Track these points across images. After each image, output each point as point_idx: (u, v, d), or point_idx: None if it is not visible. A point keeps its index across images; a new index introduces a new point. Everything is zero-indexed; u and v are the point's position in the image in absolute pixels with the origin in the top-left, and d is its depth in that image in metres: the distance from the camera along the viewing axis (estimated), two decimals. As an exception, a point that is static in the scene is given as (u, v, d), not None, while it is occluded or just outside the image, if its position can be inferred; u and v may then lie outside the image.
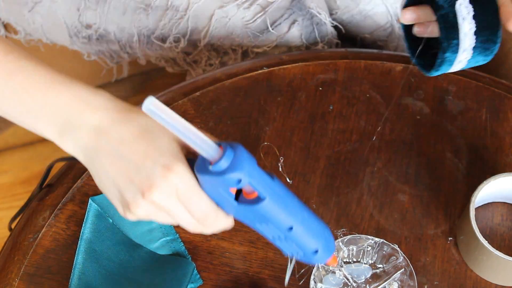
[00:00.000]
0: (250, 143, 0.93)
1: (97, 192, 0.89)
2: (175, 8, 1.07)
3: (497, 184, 0.86)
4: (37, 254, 0.85)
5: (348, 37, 1.18)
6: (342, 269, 0.83)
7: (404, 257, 0.82)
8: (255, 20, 1.05)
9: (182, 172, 0.68)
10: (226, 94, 0.97)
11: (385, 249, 0.83)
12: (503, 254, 0.81)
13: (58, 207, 0.88)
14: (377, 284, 0.83)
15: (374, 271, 0.84)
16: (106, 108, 0.69)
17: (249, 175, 0.68)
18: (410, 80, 0.98)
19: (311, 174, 0.92)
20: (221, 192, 0.70)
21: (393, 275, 0.83)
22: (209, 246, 0.86)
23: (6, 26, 1.26)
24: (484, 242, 0.81)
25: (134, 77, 1.51)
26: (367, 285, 0.83)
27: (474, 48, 0.77)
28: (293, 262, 0.76)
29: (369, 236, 0.83)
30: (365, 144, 0.94)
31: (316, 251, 0.74)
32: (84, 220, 0.86)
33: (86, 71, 1.38)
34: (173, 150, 0.68)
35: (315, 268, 0.82)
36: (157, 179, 0.67)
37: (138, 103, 1.02)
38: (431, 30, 0.80)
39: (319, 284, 0.82)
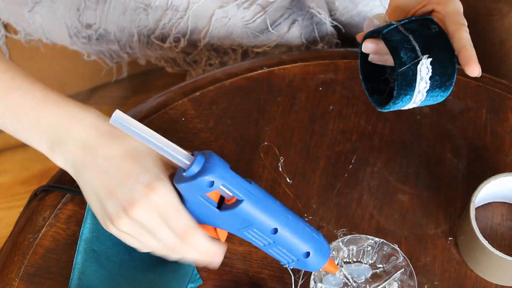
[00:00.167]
0: (250, 143, 0.93)
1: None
2: (175, 8, 1.07)
3: (497, 184, 0.86)
4: (37, 254, 0.85)
5: (348, 37, 1.18)
6: (342, 269, 0.83)
7: (404, 257, 0.82)
8: (255, 20, 1.05)
9: (163, 190, 0.72)
10: (226, 94, 0.97)
11: (385, 249, 0.83)
12: (503, 254, 0.81)
13: (58, 207, 0.88)
14: (377, 284, 0.83)
15: (374, 271, 0.84)
16: (95, 125, 0.74)
17: (221, 177, 0.72)
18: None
19: (311, 174, 0.92)
20: (201, 201, 0.74)
21: (393, 275, 0.83)
22: (209, 246, 0.86)
23: (6, 26, 1.26)
24: (484, 242, 0.81)
25: (134, 77, 1.50)
26: (367, 285, 0.83)
27: (428, 93, 0.81)
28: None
29: (369, 236, 0.83)
30: (365, 144, 0.94)
31: (308, 254, 0.76)
32: (83, 220, 0.86)
33: (86, 71, 1.38)
34: (156, 169, 0.73)
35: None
36: (139, 197, 0.72)
37: (138, 103, 1.02)
38: (386, 59, 0.83)
39: (319, 284, 0.82)
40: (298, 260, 0.77)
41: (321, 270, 0.81)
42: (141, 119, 0.94)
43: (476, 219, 0.84)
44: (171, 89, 0.97)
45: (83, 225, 0.85)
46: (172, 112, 0.95)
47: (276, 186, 0.91)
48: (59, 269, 0.84)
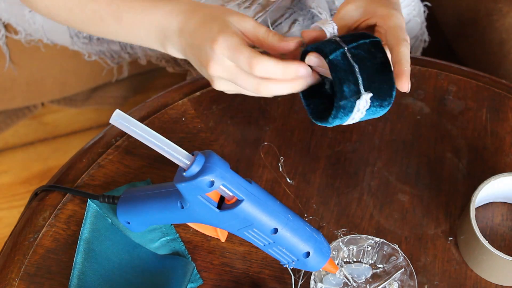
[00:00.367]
0: (250, 143, 0.93)
1: (96, 192, 0.89)
2: (176, 8, 1.07)
3: (497, 184, 0.86)
4: (37, 254, 0.85)
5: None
6: (342, 269, 0.83)
7: (404, 257, 0.82)
8: (256, 19, 1.05)
9: (223, 39, 0.80)
10: (226, 94, 0.97)
11: (385, 249, 0.83)
12: (503, 254, 0.81)
13: (58, 207, 0.88)
14: (377, 284, 0.83)
15: (374, 271, 0.84)
16: (183, 11, 0.86)
17: (221, 177, 0.72)
18: (410, 80, 0.97)
19: (311, 174, 0.92)
20: (201, 201, 0.74)
21: (393, 275, 0.83)
22: (209, 246, 0.86)
23: (7, 27, 1.26)
24: (485, 242, 0.81)
25: (135, 77, 1.50)
26: (367, 285, 0.83)
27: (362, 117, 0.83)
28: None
29: (369, 236, 0.83)
30: (365, 144, 0.94)
31: (308, 254, 0.76)
32: (83, 220, 0.86)
33: (87, 71, 1.38)
34: (222, 26, 0.82)
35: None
36: (208, 53, 0.82)
37: (138, 103, 1.02)
38: (327, 72, 0.83)
39: (319, 284, 0.82)
40: (298, 260, 0.77)
41: (321, 270, 0.81)
42: (141, 119, 0.94)
43: (476, 219, 0.84)
44: (171, 89, 0.97)
45: (83, 225, 0.85)
46: (172, 112, 0.95)
47: (276, 186, 0.91)
48: (59, 269, 0.84)
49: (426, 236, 0.88)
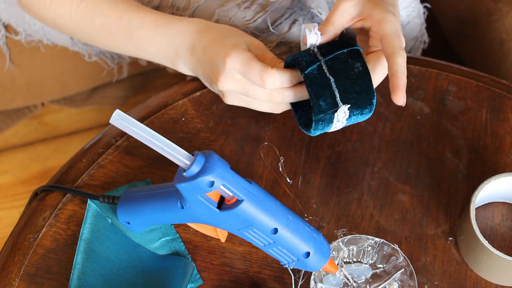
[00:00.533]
0: (250, 143, 0.93)
1: (96, 192, 0.89)
2: (176, 8, 1.07)
3: (497, 184, 0.86)
4: (37, 254, 0.85)
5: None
6: (342, 269, 0.83)
7: (404, 257, 0.82)
8: (256, 19, 1.05)
9: (236, 54, 0.83)
10: (226, 94, 0.97)
11: (385, 249, 0.83)
12: (503, 254, 0.81)
13: (58, 207, 0.88)
14: (378, 284, 0.83)
15: (374, 271, 0.84)
16: (196, 30, 0.89)
17: (221, 177, 0.72)
18: (410, 80, 0.98)
19: (311, 174, 0.92)
20: (201, 201, 0.74)
21: (393, 275, 0.83)
22: (209, 246, 0.86)
23: (7, 27, 1.26)
24: (485, 242, 0.81)
25: (135, 77, 1.50)
26: (367, 285, 0.83)
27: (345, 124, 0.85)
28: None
29: (369, 236, 0.83)
30: (365, 144, 0.94)
31: (308, 254, 0.76)
32: (83, 220, 0.86)
33: (87, 71, 1.38)
34: (235, 43, 0.85)
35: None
36: (220, 67, 0.85)
37: (138, 103, 1.02)
38: None
39: (319, 284, 0.82)
40: (298, 260, 0.77)
41: (321, 270, 0.81)
42: (141, 119, 0.94)
43: (476, 219, 0.84)
44: (171, 89, 0.97)
45: (83, 225, 0.85)
46: (172, 112, 0.95)
47: (276, 186, 0.91)
48: (59, 269, 0.84)
49: (426, 236, 0.88)
